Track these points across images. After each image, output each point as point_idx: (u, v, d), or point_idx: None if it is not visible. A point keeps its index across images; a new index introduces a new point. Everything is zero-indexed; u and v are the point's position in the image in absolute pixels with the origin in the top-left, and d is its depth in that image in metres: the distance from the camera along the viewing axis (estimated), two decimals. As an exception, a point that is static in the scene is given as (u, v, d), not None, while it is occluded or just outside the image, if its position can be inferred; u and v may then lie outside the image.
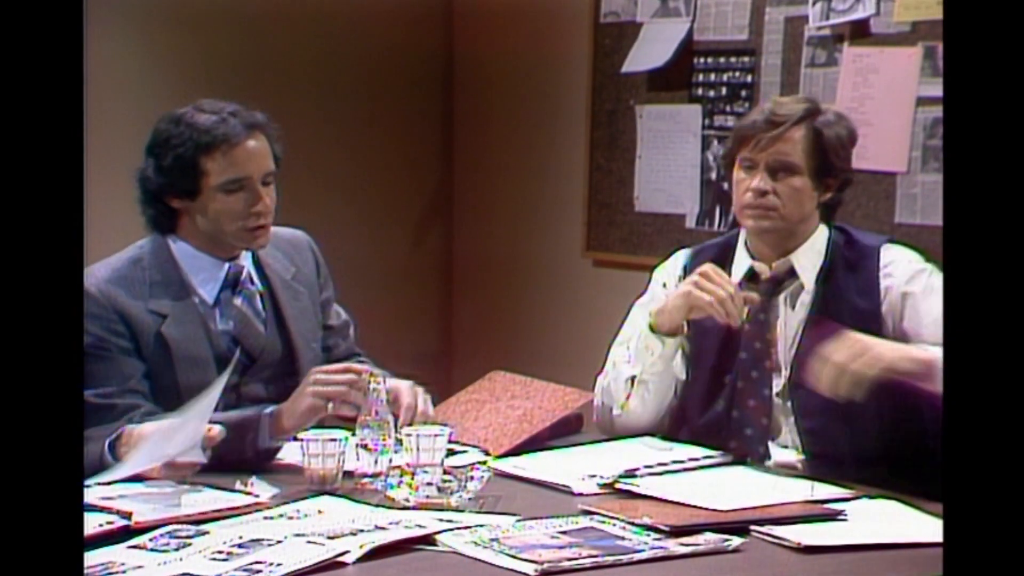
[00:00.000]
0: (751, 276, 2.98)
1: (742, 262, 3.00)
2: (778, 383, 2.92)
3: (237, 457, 2.67)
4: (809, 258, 2.95)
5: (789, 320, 2.94)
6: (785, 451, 2.90)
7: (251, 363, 2.90)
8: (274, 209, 2.88)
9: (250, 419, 2.72)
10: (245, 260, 2.93)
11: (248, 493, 2.48)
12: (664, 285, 3.10)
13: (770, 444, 2.91)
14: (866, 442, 2.85)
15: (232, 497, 2.45)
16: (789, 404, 2.90)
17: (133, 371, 2.79)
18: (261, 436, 2.71)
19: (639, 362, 2.99)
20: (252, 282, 2.93)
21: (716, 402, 2.95)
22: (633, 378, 2.99)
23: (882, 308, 2.90)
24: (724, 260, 3.01)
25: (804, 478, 2.70)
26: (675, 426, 3.04)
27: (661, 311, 2.96)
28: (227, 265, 2.90)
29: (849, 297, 2.92)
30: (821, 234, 2.97)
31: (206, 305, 2.87)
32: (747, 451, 2.89)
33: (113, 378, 2.76)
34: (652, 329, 2.96)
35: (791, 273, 2.95)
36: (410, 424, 2.71)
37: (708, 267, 2.93)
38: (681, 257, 3.12)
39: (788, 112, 2.91)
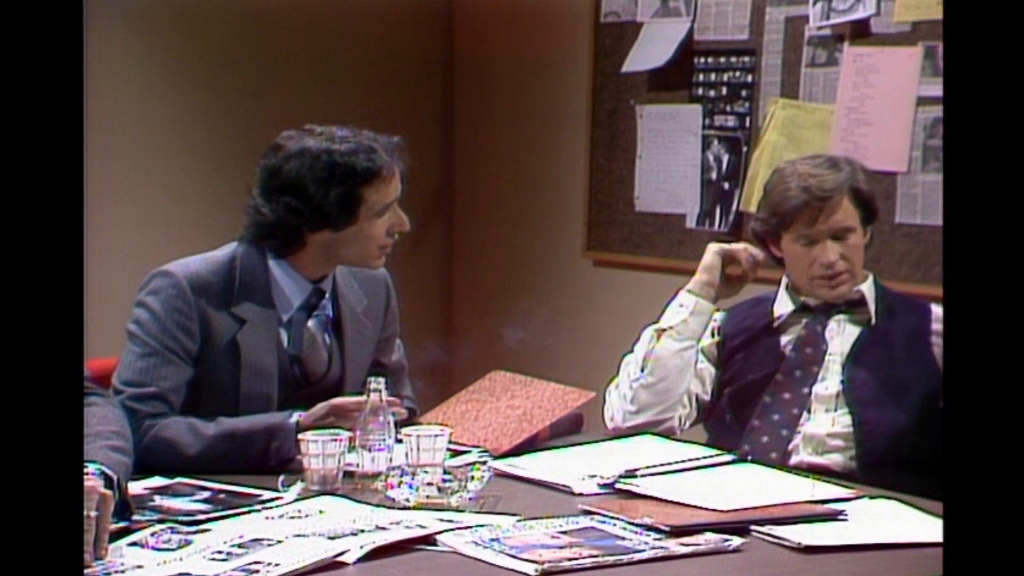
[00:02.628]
0: (801, 308, 3.12)
1: (788, 300, 3.14)
2: (820, 386, 3.03)
3: (260, 463, 2.70)
4: (870, 294, 3.10)
5: (848, 338, 3.06)
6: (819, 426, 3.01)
7: (306, 385, 2.90)
8: None
9: (278, 427, 2.74)
10: (327, 285, 2.93)
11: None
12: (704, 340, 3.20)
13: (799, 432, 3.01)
14: (920, 448, 2.95)
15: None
16: (842, 403, 3.01)
17: (178, 378, 2.78)
18: (288, 445, 2.72)
19: (670, 317, 3.12)
20: (327, 308, 2.94)
21: (753, 393, 3.07)
22: (661, 331, 3.10)
23: (935, 351, 3.04)
24: (762, 308, 3.17)
25: (837, 478, 2.77)
26: (703, 411, 3.17)
27: (700, 270, 3.13)
28: (311, 287, 2.90)
29: (905, 328, 3.07)
30: (871, 281, 3.13)
31: (280, 321, 2.87)
32: (768, 434, 3.00)
33: (156, 380, 2.76)
34: (689, 290, 3.13)
35: (855, 303, 3.09)
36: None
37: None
38: (715, 316, 3.21)
39: (831, 186, 3.03)
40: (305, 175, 2.80)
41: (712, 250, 3.16)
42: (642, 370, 3.08)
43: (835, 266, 3.03)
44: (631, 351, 3.15)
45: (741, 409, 3.07)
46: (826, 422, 3.00)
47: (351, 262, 2.92)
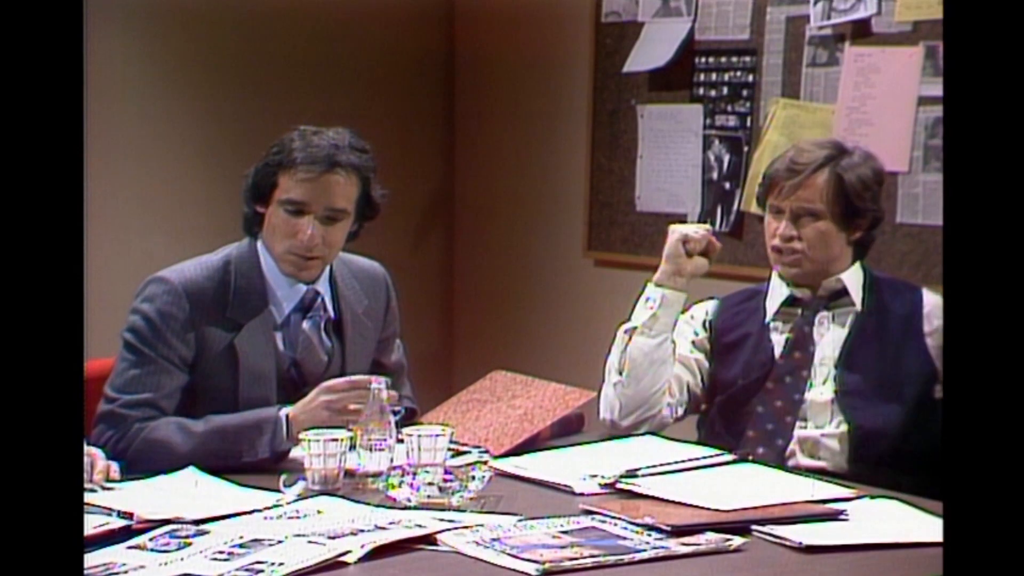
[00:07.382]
0: (791, 302, 3.08)
1: (778, 293, 3.10)
2: (813, 392, 3.00)
3: (253, 457, 2.71)
4: (854, 282, 3.06)
5: (836, 337, 3.03)
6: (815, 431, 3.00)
7: (304, 386, 2.89)
8: (331, 247, 2.86)
9: (267, 420, 2.74)
10: (322, 286, 2.92)
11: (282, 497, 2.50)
12: (696, 332, 3.17)
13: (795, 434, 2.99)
14: (917, 446, 2.94)
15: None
16: (837, 409, 2.98)
17: (171, 385, 2.78)
18: (279, 438, 2.72)
19: (638, 315, 3.09)
20: (324, 309, 2.93)
21: (743, 399, 3.04)
22: (632, 329, 3.07)
23: (927, 340, 3.01)
24: (754, 303, 3.13)
25: (836, 478, 2.76)
26: (696, 415, 3.16)
27: (664, 258, 3.09)
28: (304, 288, 2.90)
29: (895, 317, 3.03)
30: (857, 268, 3.08)
31: (275, 323, 2.87)
32: (764, 443, 2.98)
33: (146, 388, 2.76)
34: (656, 283, 3.10)
35: (840, 293, 3.05)
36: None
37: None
38: (705, 308, 3.19)
39: (808, 160, 3.01)
40: (270, 147, 2.87)
41: (674, 235, 3.10)
42: (620, 373, 3.07)
43: (789, 242, 3.01)
44: (611, 351, 3.13)
45: (732, 417, 3.05)
46: (821, 428, 2.99)
47: (274, 253, 2.87)
